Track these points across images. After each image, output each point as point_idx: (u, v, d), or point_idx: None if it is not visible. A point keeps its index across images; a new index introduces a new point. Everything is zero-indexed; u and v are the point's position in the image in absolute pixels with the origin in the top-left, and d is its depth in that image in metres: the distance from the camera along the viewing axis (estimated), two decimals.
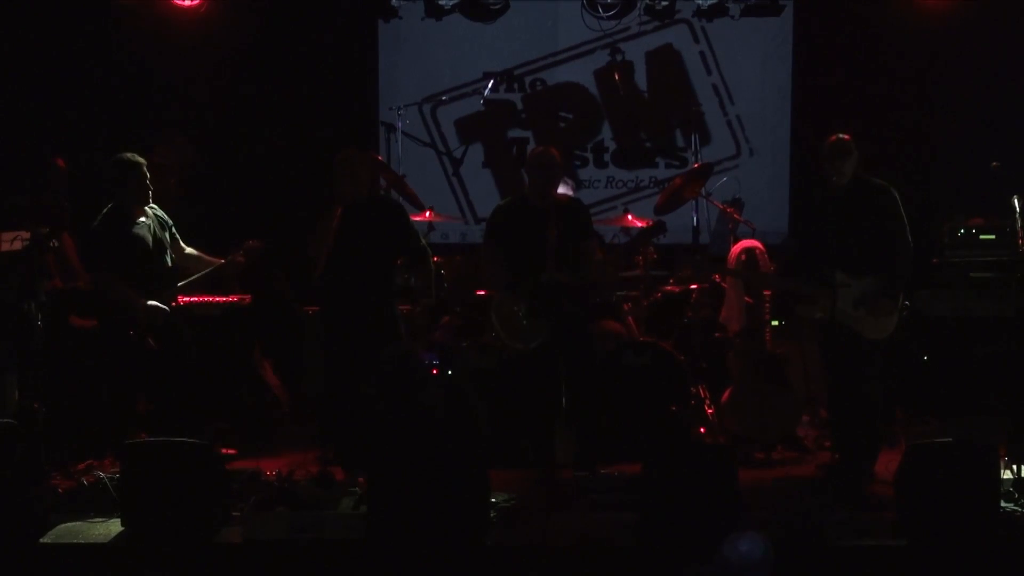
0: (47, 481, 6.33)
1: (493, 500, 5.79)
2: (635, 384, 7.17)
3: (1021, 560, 5.43)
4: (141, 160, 6.62)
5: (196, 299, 6.95)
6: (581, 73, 9.41)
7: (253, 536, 5.61)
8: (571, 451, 6.79)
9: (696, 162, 8.47)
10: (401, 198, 7.96)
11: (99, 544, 5.64)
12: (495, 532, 5.62)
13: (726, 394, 7.32)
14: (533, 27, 9.37)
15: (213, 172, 8.81)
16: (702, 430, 7.38)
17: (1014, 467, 6.14)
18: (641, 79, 9.41)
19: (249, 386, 7.68)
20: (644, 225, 7.90)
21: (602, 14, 9.14)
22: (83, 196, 7.70)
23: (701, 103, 9.31)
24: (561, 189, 7.31)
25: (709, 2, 9.03)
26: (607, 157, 9.48)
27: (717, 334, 7.72)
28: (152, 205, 6.72)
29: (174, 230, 6.81)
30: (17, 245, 6.65)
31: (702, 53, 9.35)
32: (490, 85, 9.22)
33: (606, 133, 9.48)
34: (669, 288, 7.93)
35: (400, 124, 8.83)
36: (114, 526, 5.76)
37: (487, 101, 9.34)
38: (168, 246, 6.72)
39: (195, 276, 6.79)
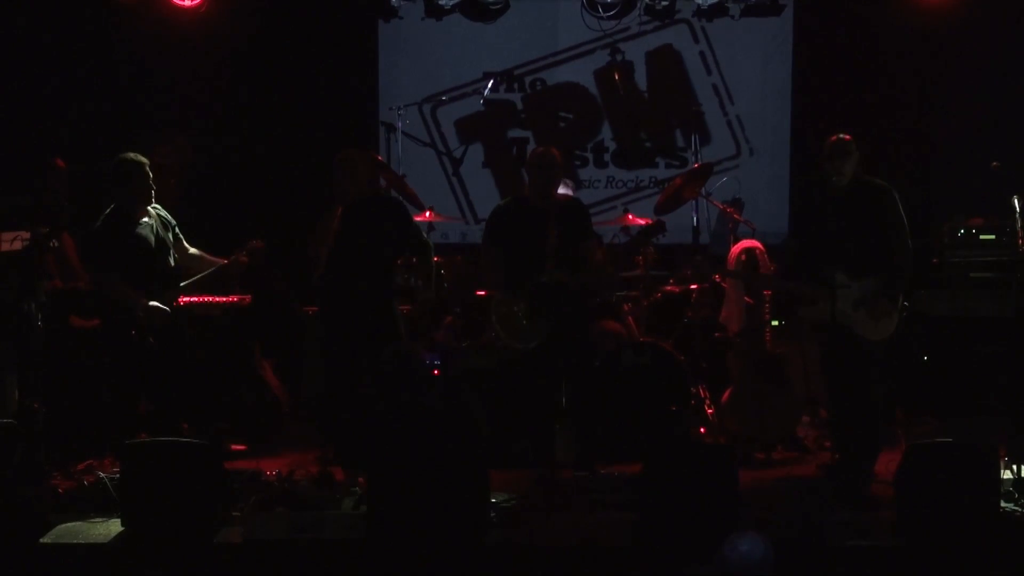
0: (47, 481, 6.33)
1: (493, 500, 5.79)
2: (635, 384, 7.17)
3: (1021, 560, 5.43)
4: (143, 160, 6.61)
5: (196, 299, 6.95)
6: (581, 73, 9.41)
7: (253, 536, 5.60)
8: (571, 451, 6.79)
9: (696, 162, 8.47)
10: (401, 198, 7.96)
11: (99, 544, 5.63)
12: (495, 532, 5.62)
13: (726, 394, 7.32)
14: (533, 27, 9.37)
15: (213, 172, 8.81)
16: (702, 430, 7.39)
17: (1014, 467, 6.14)
18: (641, 79, 9.41)
19: (249, 386, 7.68)
20: (644, 225, 7.90)
21: (602, 14, 9.14)
22: (83, 196, 7.70)
23: (701, 103, 9.31)
24: (561, 190, 7.31)
25: (709, 2, 9.03)
26: (607, 157, 9.48)
27: (717, 334, 7.72)
28: (155, 205, 6.72)
29: (178, 230, 6.80)
30: (17, 245, 6.65)
31: (702, 53, 9.35)
32: (490, 85, 9.22)
33: (606, 133, 9.48)
34: (669, 288, 7.93)
35: (400, 124, 8.83)
36: (114, 526, 5.76)
37: (487, 101, 9.34)
38: (171, 246, 6.71)
39: (198, 276, 6.79)
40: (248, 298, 7.25)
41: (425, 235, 7.04)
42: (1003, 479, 5.87)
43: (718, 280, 7.77)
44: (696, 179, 8.05)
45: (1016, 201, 7.10)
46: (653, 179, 9.41)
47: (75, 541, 5.67)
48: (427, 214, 8.15)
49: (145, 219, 6.63)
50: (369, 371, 6.72)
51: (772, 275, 7.34)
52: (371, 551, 5.44)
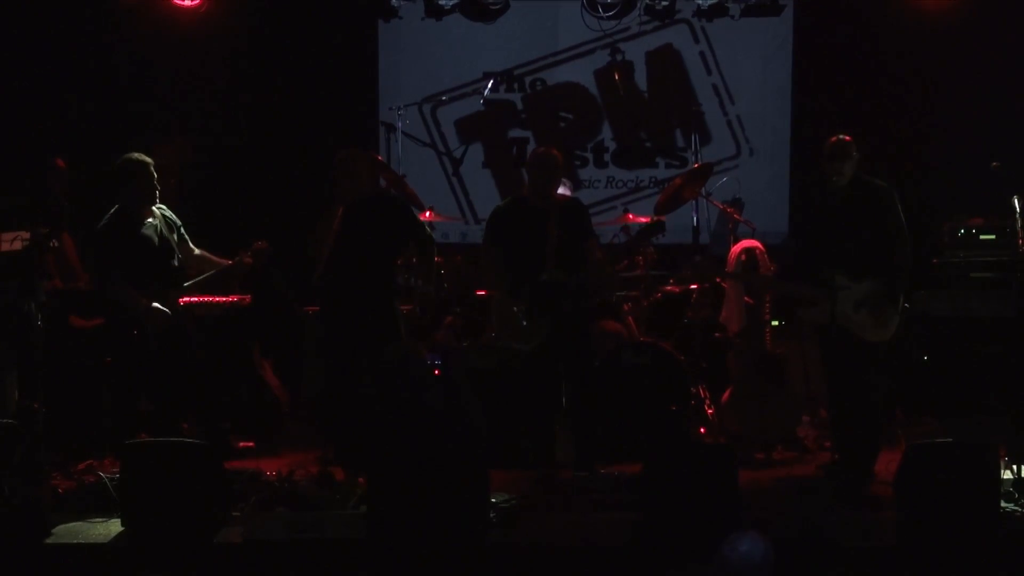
0: (47, 481, 6.33)
1: (493, 500, 5.79)
2: (635, 384, 7.17)
3: (1021, 560, 5.43)
4: (148, 160, 6.61)
5: (196, 299, 6.95)
6: (581, 73, 9.41)
7: (253, 536, 5.61)
8: (571, 451, 6.79)
9: (696, 162, 8.47)
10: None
11: (99, 544, 5.64)
12: (495, 532, 5.62)
13: (726, 394, 7.32)
14: (533, 27, 9.37)
15: (213, 172, 8.81)
16: (702, 430, 7.39)
17: (1014, 467, 6.14)
18: (641, 79, 9.40)
19: (249, 386, 7.68)
20: (643, 224, 7.91)
21: (602, 14, 9.14)
22: (83, 196, 7.71)
23: (701, 103, 9.31)
24: (560, 190, 7.31)
25: (709, 2, 9.03)
26: (607, 157, 9.47)
27: (717, 334, 7.72)
28: (160, 206, 6.72)
29: (183, 231, 6.80)
30: (17, 245, 6.65)
31: (702, 53, 9.35)
32: (490, 85, 9.21)
33: (606, 133, 9.47)
34: (669, 288, 7.93)
35: (400, 124, 8.83)
36: (114, 526, 5.76)
37: (487, 101, 9.33)
38: (175, 247, 6.70)
39: (201, 277, 6.79)
40: (248, 298, 7.24)
41: (429, 230, 7.02)
42: (1003, 479, 5.87)
43: (718, 280, 7.77)
44: (696, 179, 8.04)
45: (1016, 201, 7.08)
46: (653, 179, 9.41)
47: (75, 541, 5.68)
48: (427, 214, 8.15)
49: (149, 219, 6.62)
50: (369, 371, 6.73)
51: (772, 276, 7.34)
52: (371, 551, 5.44)
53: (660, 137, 9.45)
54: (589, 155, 9.48)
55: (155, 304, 6.49)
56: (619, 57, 9.35)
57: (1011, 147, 7.70)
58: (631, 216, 8.27)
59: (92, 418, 7.11)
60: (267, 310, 7.89)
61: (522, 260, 6.72)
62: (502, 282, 6.81)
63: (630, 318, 7.80)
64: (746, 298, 7.54)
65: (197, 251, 6.85)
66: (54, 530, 5.76)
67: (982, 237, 7.74)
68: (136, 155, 6.61)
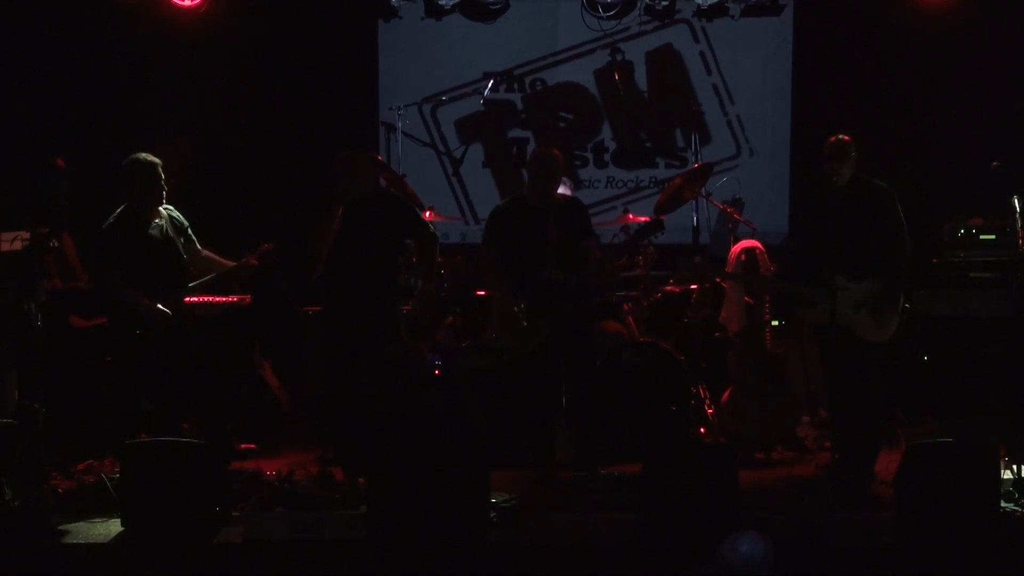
0: (47, 481, 6.33)
1: (493, 500, 5.79)
2: (635, 384, 7.18)
3: (1021, 560, 5.43)
4: (156, 160, 6.60)
5: (196, 299, 6.95)
6: (581, 73, 9.41)
7: (253, 536, 5.61)
8: (571, 451, 6.79)
9: (696, 162, 8.47)
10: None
11: (99, 544, 5.64)
12: (495, 532, 5.62)
13: (726, 394, 7.32)
14: (533, 27, 9.36)
15: (213, 172, 8.80)
16: (702, 430, 7.39)
17: (1014, 467, 6.14)
18: (641, 79, 9.40)
19: (249, 386, 7.68)
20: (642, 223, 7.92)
21: (602, 14, 9.14)
22: (83, 196, 7.71)
23: (701, 103, 9.31)
24: (560, 189, 7.31)
25: (709, 2, 9.03)
26: (607, 157, 9.47)
27: (717, 334, 7.72)
28: (168, 206, 6.72)
29: (190, 232, 6.79)
30: (17, 245, 6.64)
31: (702, 53, 9.35)
32: (490, 85, 9.21)
33: (606, 133, 9.47)
34: (669, 288, 7.93)
35: (400, 124, 8.83)
36: (114, 526, 5.77)
37: (487, 101, 9.33)
38: (180, 248, 6.70)
39: (206, 278, 6.79)
40: (248, 298, 7.24)
41: (432, 228, 7.02)
42: (1003, 479, 5.87)
43: (718, 280, 7.77)
44: (696, 179, 8.04)
45: (1016, 201, 7.09)
46: (653, 179, 9.41)
47: (75, 541, 5.68)
48: (427, 214, 8.14)
49: (156, 220, 6.63)
50: (369, 371, 6.73)
51: (771, 277, 7.34)
52: (371, 551, 5.44)
53: (660, 137, 9.44)
54: (589, 155, 9.48)
55: (157, 304, 6.49)
56: (619, 57, 9.35)
57: (1011, 147, 7.71)
58: (631, 216, 8.27)
59: (92, 418, 7.11)
60: (267, 310, 7.89)
61: (522, 260, 6.72)
62: (502, 282, 6.81)
63: (630, 318, 7.80)
64: (746, 298, 7.54)
65: (204, 252, 6.84)
66: (54, 530, 5.75)
67: (982, 237, 7.74)
68: (144, 155, 6.60)
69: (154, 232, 6.59)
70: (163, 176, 6.60)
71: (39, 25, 8.65)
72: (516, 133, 9.48)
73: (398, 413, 6.76)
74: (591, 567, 5.44)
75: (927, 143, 8.86)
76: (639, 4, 9.11)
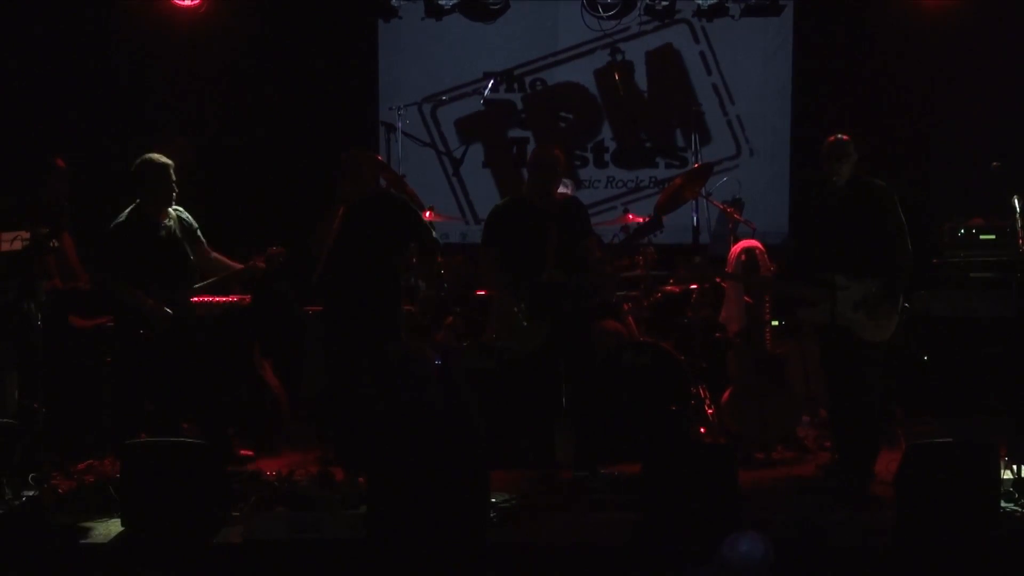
0: (47, 481, 6.33)
1: (493, 500, 5.79)
2: (635, 384, 7.18)
3: (1021, 560, 5.43)
4: (168, 162, 6.61)
5: (196, 299, 6.95)
6: (581, 73, 9.41)
7: (253, 536, 5.60)
8: (571, 451, 6.79)
9: (696, 162, 8.47)
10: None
11: (99, 544, 5.63)
12: (495, 532, 5.62)
13: (726, 394, 7.32)
14: (533, 27, 9.37)
15: (213, 172, 8.80)
16: (702, 430, 7.38)
17: (1014, 467, 6.14)
18: (641, 79, 9.41)
19: (249, 386, 7.68)
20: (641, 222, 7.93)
21: (602, 14, 9.14)
22: (83, 196, 7.70)
23: (701, 103, 9.31)
24: (561, 189, 7.31)
25: (709, 2, 9.03)
26: (607, 157, 9.48)
27: (717, 334, 7.72)
28: (177, 207, 6.72)
29: (199, 233, 6.80)
30: (17, 245, 6.65)
31: (702, 53, 9.35)
32: (490, 85, 9.21)
33: (606, 133, 9.48)
34: (669, 288, 7.93)
35: (400, 124, 8.82)
36: (114, 526, 5.76)
37: (487, 101, 9.33)
38: (188, 249, 6.70)
39: (212, 280, 6.79)
40: (248, 298, 7.24)
41: (435, 234, 7.01)
42: (1003, 479, 5.87)
43: (718, 280, 7.77)
44: (696, 179, 8.04)
45: (1016, 201, 7.09)
46: (653, 179, 9.41)
47: (75, 541, 5.67)
48: (427, 214, 8.15)
49: (164, 220, 6.63)
50: (370, 371, 6.72)
51: (771, 277, 7.34)
52: (371, 551, 5.44)
53: (660, 137, 9.45)
54: (589, 155, 9.48)
55: (160, 304, 6.48)
56: (619, 57, 9.35)
57: (1011, 147, 7.71)
58: (631, 216, 8.27)
59: (92, 418, 7.11)
60: (267, 310, 7.89)
61: (522, 260, 6.71)
62: (502, 282, 6.80)
63: (630, 318, 7.80)
64: (746, 298, 7.54)
65: (212, 255, 6.84)
66: (54, 530, 5.75)
67: (982, 237, 7.74)
68: (156, 156, 6.61)
69: (163, 233, 6.60)
70: (174, 177, 6.61)
71: (39, 25, 8.65)
72: (516, 133, 9.49)
73: (398, 413, 6.76)
74: (591, 567, 5.44)
75: (927, 143, 8.87)
76: (639, 4, 9.11)
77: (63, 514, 5.95)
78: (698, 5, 9.08)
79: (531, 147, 9.13)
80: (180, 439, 6.07)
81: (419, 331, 7.64)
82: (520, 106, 9.46)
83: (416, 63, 9.35)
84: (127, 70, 8.91)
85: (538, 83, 9.45)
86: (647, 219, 8.12)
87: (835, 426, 6.75)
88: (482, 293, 7.71)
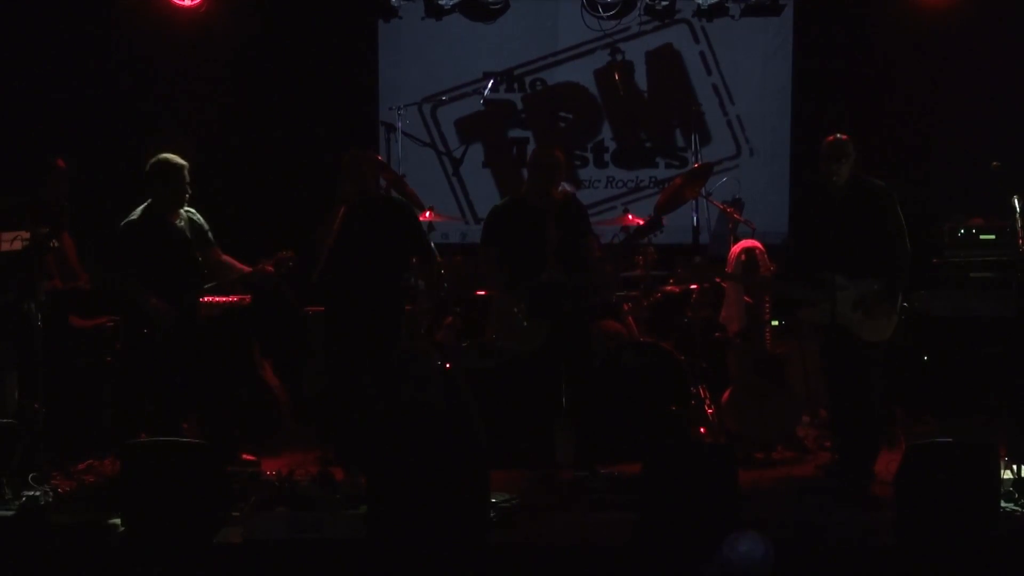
0: (47, 481, 6.33)
1: (493, 500, 5.79)
2: (635, 384, 7.18)
3: (1021, 560, 5.43)
4: (183, 163, 6.62)
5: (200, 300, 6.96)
6: (581, 73, 9.41)
7: (253, 536, 5.61)
8: (571, 451, 6.79)
9: (696, 162, 8.47)
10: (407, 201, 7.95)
11: (99, 544, 5.63)
12: (495, 532, 5.62)
13: (726, 394, 7.32)
14: (533, 27, 9.36)
15: (213, 172, 8.78)
16: (702, 430, 7.38)
17: (1014, 467, 6.14)
18: (641, 79, 9.40)
19: (249, 386, 7.68)
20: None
21: (602, 14, 9.14)
22: (83, 196, 7.70)
23: (701, 103, 9.30)
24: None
25: (709, 2, 9.03)
26: (607, 157, 9.47)
27: (717, 334, 7.72)
28: (189, 209, 6.73)
29: (210, 235, 6.80)
30: (17, 245, 6.65)
31: (702, 53, 9.35)
32: (490, 85, 9.21)
33: (606, 133, 9.47)
34: (669, 288, 7.93)
35: (400, 124, 8.82)
36: (114, 526, 5.75)
37: (487, 101, 9.33)
38: (197, 250, 6.70)
39: (220, 282, 6.79)
40: (248, 298, 7.25)
41: (431, 244, 7.01)
42: (1003, 479, 5.87)
43: (718, 280, 7.77)
44: (696, 179, 8.05)
45: (1016, 201, 7.07)
46: (653, 179, 9.41)
47: (75, 541, 5.67)
48: (427, 214, 8.15)
49: (176, 221, 6.64)
50: (371, 371, 6.72)
51: (770, 277, 7.34)
52: (371, 551, 5.44)
53: (660, 137, 9.44)
54: (589, 155, 9.48)
55: (164, 303, 6.49)
56: (619, 57, 9.35)
57: (1011, 147, 7.70)
58: (631, 216, 8.27)
59: (92, 418, 7.11)
60: (267, 310, 7.89)
61: (522, 260, 6.72)
62: (501, 282, 6.81)
63: (630, 318, 7.80)
64: (746, 298, 7.54)
65: (223, 257, 6.84)
66: (54, 530, 5.75)
67: (982, 237, 7.75)
68: (172, 156, 6.62)
69: (173, 234, 6.61)
70: (188, 179, 6.62)
71: (39, 25, 8.65)
72: (516, 133, 9.48)
73: (399, 413, 6.76)
74: (591, 567, 5.44)
75: (927, 143, 8.86)
76: (639, 4, 9.11)
77: (63, 514, 5.95)
78: (698, 5, 9.08)
79: (531, 147, 9.13)
80: (180, 439, 6.07)
81: (420, 332, 7.64)
82: (520, 106, 9.46)
83: (416, 63, 9.34)
84: (127, 70, 8.90)
85: (538, 83, 9.45)
86: (647, 219, 8.10)
87: (835, 426, 6.75)
88: (482, 293, 7.71)
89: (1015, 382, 6.91)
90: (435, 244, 7.21)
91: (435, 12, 9.23)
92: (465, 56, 9.37)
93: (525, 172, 7.40)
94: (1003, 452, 6.05)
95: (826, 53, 9.09)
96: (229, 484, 6.04)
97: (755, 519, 5.34)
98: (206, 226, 6.79)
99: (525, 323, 6.68)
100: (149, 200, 6.62)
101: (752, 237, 7.77)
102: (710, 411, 7.48)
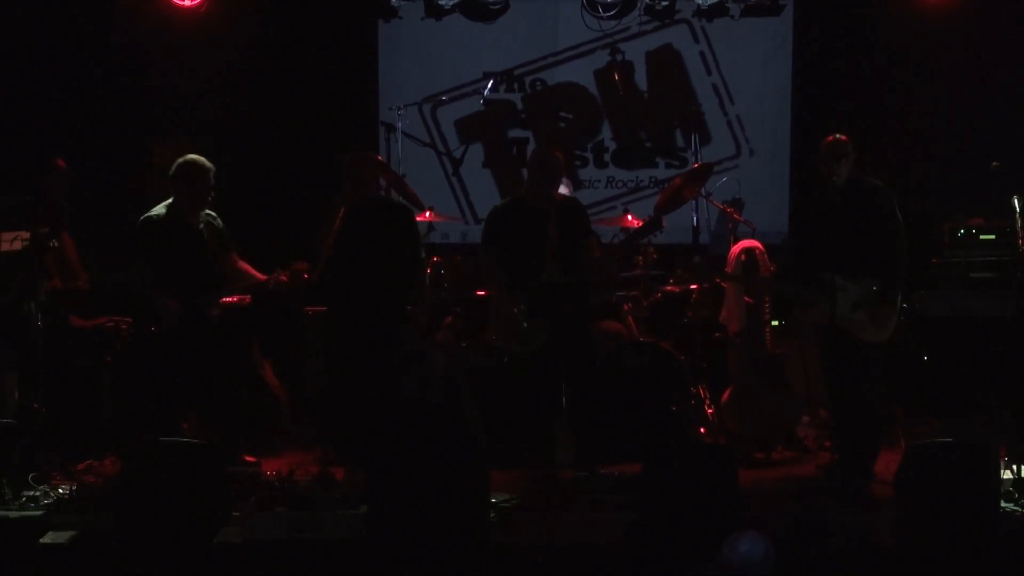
0: (47, 481, 6.33)
1: (493, 500, 5.80)
2: (635, 384, 7.18)
3: (1021, 560, 5.43)
4: (210, 167, 6.67)
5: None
6: (581, 73, 9.41)
7: (253, 536, 5.61)
8: (571, 451, 6.79)
9: (696, 162, 8.47)
10: (401, 198, 7.96)
11: (99, 544, 5.63)
12: (495, 532, 5.62)
13: (726, 394, 7.32)
14: (533, 27, 9.36)
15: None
16: (702, 430, 7.38)
17: (1014, 467, 6.14)
18: (641, 79, 9.40)
19: (249, 386, 7.67)
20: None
21: (602, 14, 9.14)
22: (83, 196, 7.70)
23: (701, 103, 9.31)
24: (561, 190, 7.31)
25: (709, 2, 9.03)
26: (607, 157, 9.47)
27: (717, 334, 7.72)
28: (210, 212, 6.74)
29: (228, 240, 6.81)
30: (17, 245, 6.64)
31: (702, 53, 9.35)
32: (490, 85, 9.21)
33: (606, 133, 9.47)
34: (669, 288, 7.92)
35: (400, 124, 8.83)
36: (114, 526, 5.75)
37: (487, 101, 9.33)
38: (215, 254, 6.71)
39: (232, 288, 6.79)
40: (248, 298, 7.24)
41: (423, 253, 7.02)
42: (1003, 479, 5.88)
43: (718, 280, 7.76)
44: (696, 179, 8.04)
45: (1016, 201, 7.07)
46: (653, 179, 9.41)
47: (75, 541, 5.67)
48: (427, 214, 8.15)
49: (196, 223, 6.66)
50: (371, 371, 6.72)
51: (770, 277, 7.33)
52: (371, 551, 5.44)
53: (660, 137, 9.44)
54: (589, 155, 9.48)
55: (176, 301, 6.49)
56: (619, 57, 9.35)
57: (1011, 147, 7.71)
58: (631, 216, 8.27)
59: (92, 418, 7.11)
60: (267, 310, 7.88)
61: (522, 261, 6.71)
62: (501, 282, 6.81)
63: (630, 318, 7.80)
64: (746, 298, 7.54)
65: (240, 264, 6.85)
66: (54, 530, 5.75)
67: (982, 237, 7.75)
68: (198, 159, 6.66)
69: (192, 235, 6.64)
70: (213, 183, 6.62)
71: (40, 25, 8.64)
72: (516, 133, 9.48)
73: (399, 413, 6.76)
74: (591, 567, 5.44)
75: (927, 143, 8.86)
76: (639, 4, 9.11)
77: (63, 514, 5.95)
78: (698, 5, 9.08)
79: (531, 147, 9.13)
80: (180, 439, 6.07)
81: (420, 332, 7.64)
82: (520, 106, 9.46)
83: (416, 63, 9.34)
84: (127, 70, 8.90)
85: (538, 83, 9.45)
86: (647, 219, 8.10)
87: (835, 426, 6.75)
88: (482, 293, 7.71)
89: (1015, 382, 6.91)
90: (435, 244, 7.24)
91: (435, 12, 9.22)
92: (465, 56, 9.38)
93: (525, 172, 7.39)
94: (1003, 452, 6.05)
95: (826, 53, 9.09)
96: (229, 484, 6.04)
97: (755, 519, 5.35)
98: (226, 232, 6.80)
99: (525, 323, 6.68)
100: (171, 199, 6.63)
101: (752, 237, 7.77)
102: (710, 411, 7.48)
